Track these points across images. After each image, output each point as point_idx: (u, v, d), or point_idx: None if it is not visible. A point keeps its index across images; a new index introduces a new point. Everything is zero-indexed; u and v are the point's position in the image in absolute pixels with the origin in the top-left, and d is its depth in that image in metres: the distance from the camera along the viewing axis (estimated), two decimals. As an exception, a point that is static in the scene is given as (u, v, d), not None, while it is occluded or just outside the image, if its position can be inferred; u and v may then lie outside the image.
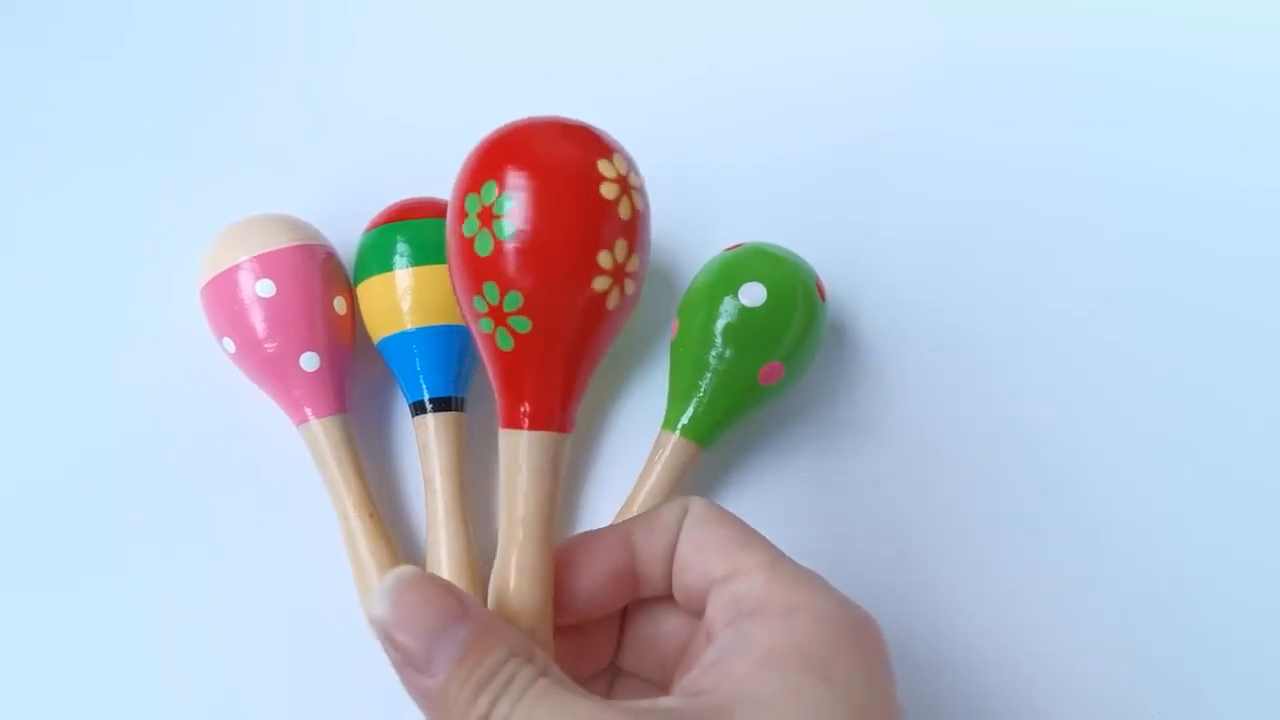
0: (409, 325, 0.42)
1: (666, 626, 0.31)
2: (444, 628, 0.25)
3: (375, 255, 0.43)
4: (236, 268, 0.41)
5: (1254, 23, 0.56)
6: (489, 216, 0.28)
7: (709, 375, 0.42)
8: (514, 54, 0.54)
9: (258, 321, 0.41)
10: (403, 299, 0.42)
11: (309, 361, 0.42)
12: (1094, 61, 0.55)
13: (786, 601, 0.27)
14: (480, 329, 0.29)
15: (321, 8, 0.55)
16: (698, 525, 0.29)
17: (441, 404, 0.42)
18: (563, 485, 0.44)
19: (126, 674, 0.41)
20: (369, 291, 0.43)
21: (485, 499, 0.44)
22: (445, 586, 0.26)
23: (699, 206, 0.49)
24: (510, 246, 0.28)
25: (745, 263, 0.43)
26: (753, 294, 0.41)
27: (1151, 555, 0.44)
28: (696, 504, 0.30)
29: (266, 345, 0.41)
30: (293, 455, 0.43)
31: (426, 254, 0.42)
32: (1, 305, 0.47)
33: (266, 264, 0.41)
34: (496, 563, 0.28)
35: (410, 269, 0.42)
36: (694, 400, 0.42)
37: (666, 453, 0.42)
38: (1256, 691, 0.42)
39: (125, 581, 0.42)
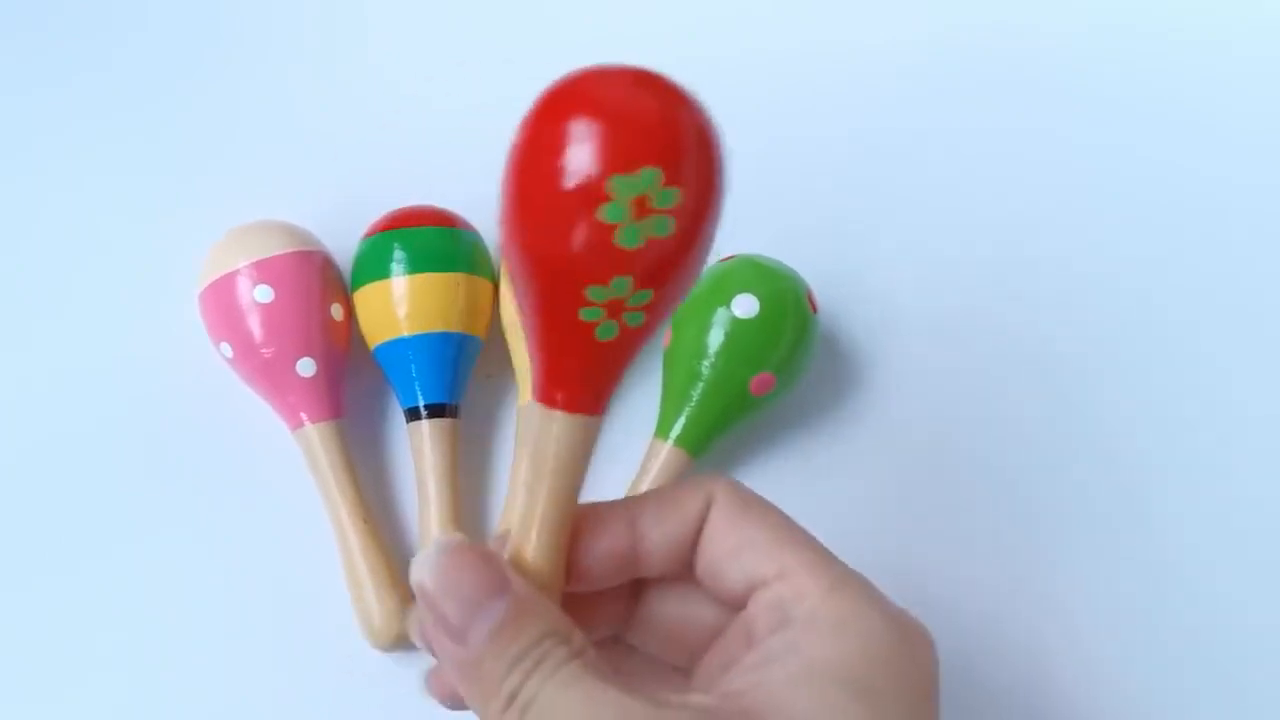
0: (405, 332, 0.42)
1: (695, 614, 0.29)
2: (484, 599, 0.25)
3: (372, 262, 0.43)
4: (235, 273, 0.42)
5: (1257, 23, 0.56)
6: (645, 209, 0.23)
7: (701, 385, 0.42)
8: (508, 62, 0.54)
9: (255, 327, 0.42)
10: (399, 306, 0.42)
11: (305, 367, 0.42)
12: (1092, 65, 0.55)
13: (836, 613, 0.26)
14: (580, 317, 0.25)
15: (321, 15, 0.55)
16: (732, 520, 0.28)
17: (436, 410, 0.42)
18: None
19: (122, 677, 0.41)
20: (366, 298, 0.43)
21: (479, 505, 0.44)
22: (489, 558, 0.26)
23: (693, 218, 0.49)
24: (666, 245, 0.24)
25: (738, 274, 0.43)
26: (745, 305, 0.42)
27: (1153, 555, 0.44)
28: (723, 492, 0.28)
29: (264, 350, 0.42)
30: (288, 460, 0.43)
31: (423, 261, 0.42)
32: (-1, 308, 0.48)
33: (264, 270, 0.42)
34: (515, 529, 0.27)
35: (407, 276, 0.42)
36: (686, 410, 0.42)
37: (658, 461, 0.42)
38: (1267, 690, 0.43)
39: (119, 585, 0.43)
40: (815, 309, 0.44)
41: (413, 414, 0.43)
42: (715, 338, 0.42)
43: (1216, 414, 0.47)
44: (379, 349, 0.43)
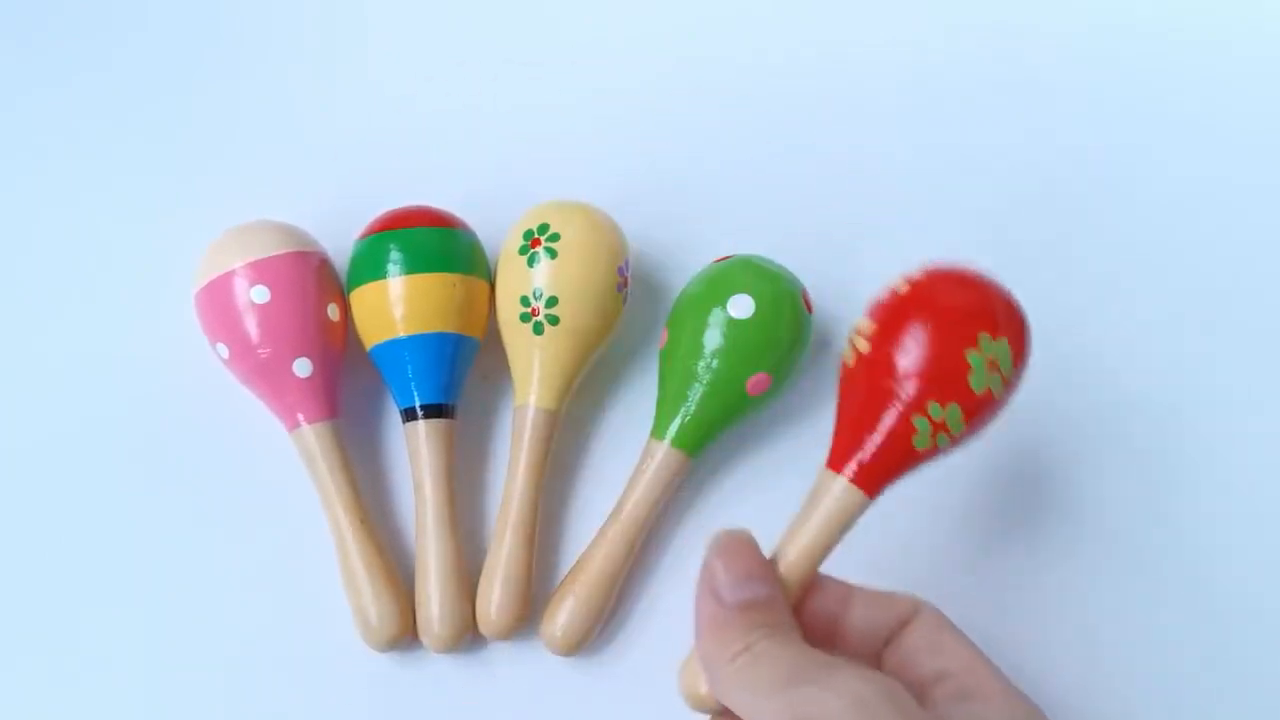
0: (401, 333, 0.42)
1: None
2: (750, 580, 0.32)
3: (368, 263, 0.43)
4: (231, 273, 0.42)
5: (1257, 22, 0.56)
6: (993, 366, 0.33)
7: (697, 385, 0.42)
8: (505, 66, 0.54)
9: (251, 327, 0.42)
10: (395, 306, 0.42)
11: (302, 367, 0.42)
12: (1092, 65, 0.55)
13: (1011, 703, 0.31)
14: (911, 422, 0.33)
15: (321, 16, 0.55)
16: (935, 628, 0.33)
17: (433, 411, 0.42)
18: (553, 493, 0.44)
19: (119, 675, 0.42)
20: (362, 299, 0.43)
21: (474, 505, 0.45)
22: (764, 559, 0.33)
23: (689, 217, 0.49)
24: (992, 399, 0.33)
25: (734, 275, 0.43)
26: (741, 306, 0.42)
27: (1161, 561, 0.44)
28: (930, 607, 0.34)
29: (260, 351, 0.42)
30: (285, 461, 0.43)
31: (419, 262, 0.42)
32: (-3, 309, 0.48)
33: (261, 270, 0.42)
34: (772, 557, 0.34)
35: (403, 277, 0.42)
36: (682, 410, 0.42)
37: (655, 461, 0.42)
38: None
39: (116, 583, 0.43)
40: (811, 309, 0.44)
41: (409, 414, 0.43)
42: (712, 338, 0.42)
43: (1216, 420, 0.47)
44: (375, 349, 0.43)
